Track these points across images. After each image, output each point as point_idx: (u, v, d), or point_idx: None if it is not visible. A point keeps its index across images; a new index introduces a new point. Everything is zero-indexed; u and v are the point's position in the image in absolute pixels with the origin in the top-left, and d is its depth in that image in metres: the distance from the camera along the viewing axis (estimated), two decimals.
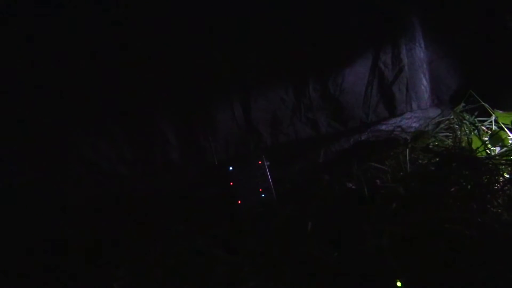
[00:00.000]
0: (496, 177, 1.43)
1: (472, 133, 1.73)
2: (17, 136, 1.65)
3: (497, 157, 1.52)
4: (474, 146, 1.62)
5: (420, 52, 2.07)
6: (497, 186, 1.41)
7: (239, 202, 1.67)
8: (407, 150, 1.68)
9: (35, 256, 1.56)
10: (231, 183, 1.71)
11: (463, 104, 1.91)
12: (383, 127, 1.99)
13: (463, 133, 1.76)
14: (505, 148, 1.57)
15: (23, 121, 1.65)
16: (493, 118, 1.74)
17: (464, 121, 1.81)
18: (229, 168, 1.73)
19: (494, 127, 1.74)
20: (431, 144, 1.82)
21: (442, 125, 1.95)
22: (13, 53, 1.59)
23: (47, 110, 1.67)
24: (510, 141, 1.60)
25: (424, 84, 2.08)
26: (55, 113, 1.68)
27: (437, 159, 1.65)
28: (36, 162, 1.69)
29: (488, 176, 1.43)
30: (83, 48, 1.66)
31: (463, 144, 1.69)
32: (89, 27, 1.64)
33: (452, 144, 1.75)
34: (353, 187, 1.62)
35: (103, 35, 1.66)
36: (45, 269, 1.49)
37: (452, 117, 1.94)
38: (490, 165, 1.46)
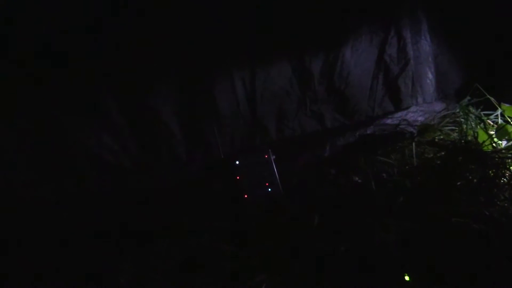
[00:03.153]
0: (503, 171, 1.44)
1: (478, 127, 1.73)
2: (17, 130, 1.64)
3: (503, 151, 1.53)
4: (480, 139, 1.62)
5: (426, 46, 2.05)
6: (503, 179, 1.42)
7: (245, 196, 1.67)
8: (413, 143, 1.68)
9: (37, 253, 1.56)
10: (237, 177, 1.71)
11: (468, 97, 1.91)
12: (389, 121, 1.99)
13: (469, 127, 1.77)
14: (511, 142, 1.57)
15: (23, 114, 1.64)
16: (499, 111, 1.74)
17: (470, 115, 1.81)
18: (235, 162, 1.73)
19: (500, 120, 1.74)
20: (437, 137, 1.83)
21: (448, 119, 1.95)
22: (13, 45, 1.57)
23: (49, 103, 1.65)
24: None
25: (429, 77, 2.07)
26: (58, 106, 1.66)
27: (443, 152, 1.65)
28: (38, 156, 1.69)
29: (494, 170, 1.44)
30: (83, 39, 1.63)
31: (469, 138, 1.70)
32: (88, 18, 1.62)
33: (458, 137, 1.76)
34: (359, 181, 1.63)
35: (105, 26, 1.63)
36: (48, 264, 1.49)
37: (458, 110, 1.94)
38: (496, 159, 1.47)
